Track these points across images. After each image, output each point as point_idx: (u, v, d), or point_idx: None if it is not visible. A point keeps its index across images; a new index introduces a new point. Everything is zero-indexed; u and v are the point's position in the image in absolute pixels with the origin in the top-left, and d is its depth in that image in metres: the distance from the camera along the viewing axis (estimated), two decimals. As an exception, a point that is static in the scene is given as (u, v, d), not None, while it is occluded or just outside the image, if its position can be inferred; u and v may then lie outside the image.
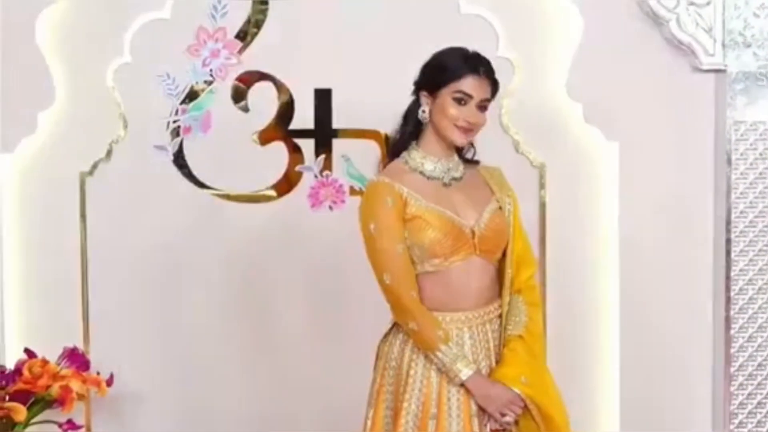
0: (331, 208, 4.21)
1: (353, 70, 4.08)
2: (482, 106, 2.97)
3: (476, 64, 2.93)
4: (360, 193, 3.80)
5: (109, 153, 4.19)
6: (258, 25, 4.15)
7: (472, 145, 3.09)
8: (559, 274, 4.12)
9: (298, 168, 4.21)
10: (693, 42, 4.05)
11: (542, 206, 4.15)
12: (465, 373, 2.91)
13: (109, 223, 4.18)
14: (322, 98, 4.16)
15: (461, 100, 2.92)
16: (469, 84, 2.93)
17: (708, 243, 4.15)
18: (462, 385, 2.93)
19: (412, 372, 2.92)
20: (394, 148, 3.08)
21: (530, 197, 4.09)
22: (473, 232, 2.97)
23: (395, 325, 3.02)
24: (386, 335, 3.04)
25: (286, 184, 4.21)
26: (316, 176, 4.20)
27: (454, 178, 3.03)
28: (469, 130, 2.96)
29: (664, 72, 4.10)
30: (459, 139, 2.94)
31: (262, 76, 4.18)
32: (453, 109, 2.92)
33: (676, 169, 4.15)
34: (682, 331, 4.17)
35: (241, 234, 4.19)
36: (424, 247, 2.90)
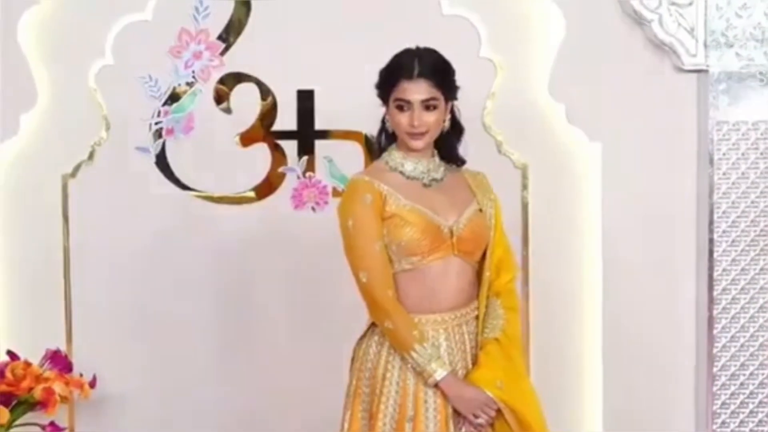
0: (314, 209, 4.20)
1: (336, 72, 4.07)
2: (429, 106, 2.93)
3: (410, 68, 2.90)
4: (341, 192, 3.76)
5: (91, 155, 4.17)
6: (240, 26, 4.14)
7: (454, 145, 3.10)
8: (542, 274, 4.11)
9: (280, 169, 4.20)
10: (675, 42, 4.04)
11: (525, 207, 4.15)
12: (439, 373, 2.90)
13: (92, 225, 4.15)
14: (305, 99, 4.15)
15: (401, 107, 2.92)
16: (404, 89, 2.91)
17: (690, 243, 4.14)
18: (436, 386, 2.92)
19: (388, 375, 2.92)
20: (376, 150, 3.13)
21: (513, 198, 4.08)
22: (451, 232, 2.97)
23: (371, 326, 3.01)
24: (362, 337, 3.05)
25: (269, 186, 4.20)
26: (298, 177, 4.18)
27: (435, 179, 3.04)
28: (419, 133, 2.94)
29: (647, 72, 4.09)
30: (413, 144, 2.94)
31: (245, 78, 4.17)
32: (397, 117, 2.93)
33: (658, 169, 4.14)
34: (665, 331, 4.16)
35: (224, 236, 4.18)
36: (402, 245, 2.90)
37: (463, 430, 2.96)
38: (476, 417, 2.93)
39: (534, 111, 4.12)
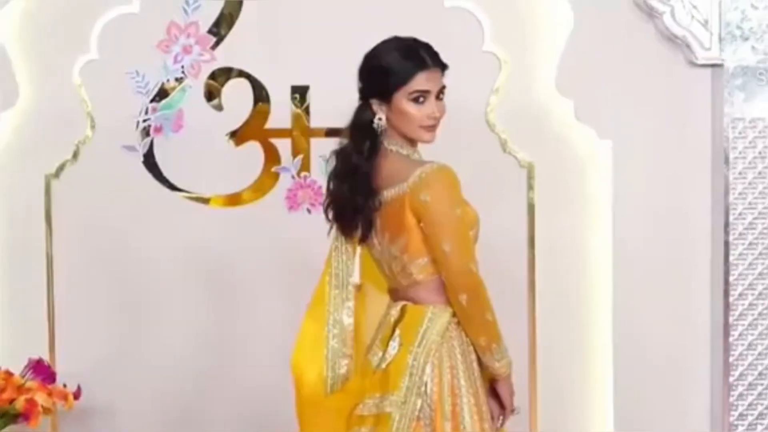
0: (309, 210, 4.13)
1: (332, 66, 3.89)
2: (440, 96, 2.85)
3: (422, 58, 2.80)
4: None
5: (75, 154, 4.12)
6: (232, 19, 4.08)
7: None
8: (549, 279, 4.05)
9: (274, 169, 4.14)
10: (688, 35, 3.97)
11: (531, 208, 4.08)
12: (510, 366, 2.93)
13: (77, 227, 4.10)
14: (300, 95, 4.10)
15: (419, 98, 2.79)
16: (423, 80, 2.79)
17: (705, 246, 4.07)
18: (494, 381, 2.92)
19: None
20: (349, 166, 2.87)
21: (518, 199, 4.05)
22: None
23: (447, 328, 2.87)
24: (442, 335, 2.86)
25: (262, 186, 4.14)
26: (293, 177, 4.12)
27: None
28: (436, 125, 2.84)
29: (659, 67, 4.01)
30: (428, 137, 2.82)
31: (237, 73, 4.12)
32: (412, 110, 2.79)
33: (671, 168, 4.06)
34: (679, 338, 4.09)
35: (216, 238, 4.12)
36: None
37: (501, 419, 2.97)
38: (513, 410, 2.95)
39: (540, 108, 4.05)
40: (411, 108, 2.78)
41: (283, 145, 4.14)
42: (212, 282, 4.15)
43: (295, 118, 4.12)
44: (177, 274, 4.14)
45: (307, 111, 4.10)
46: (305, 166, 4.15)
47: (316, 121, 4.11)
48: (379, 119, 2.81)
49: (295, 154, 4.14)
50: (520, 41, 4.04)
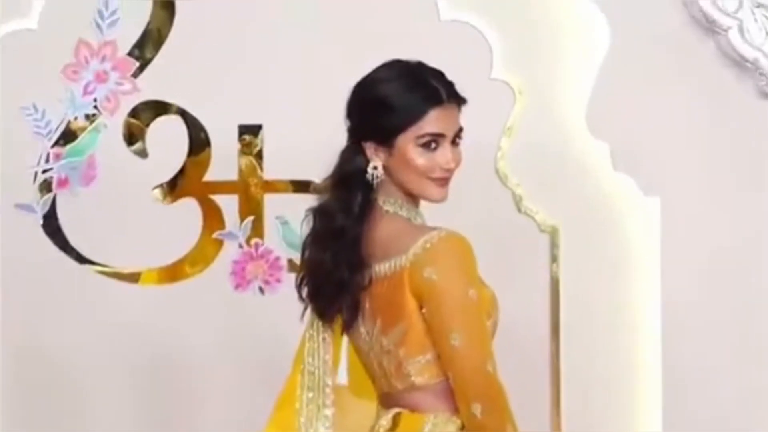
0: (262, 289, 3.84)
1: (293, 99, 3.76)
2: (456, 140, 2.63)
3: (435, 90, 2.58)
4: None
5: None
6: (161, 37, 3.84)
7: None
8: (579, 382, 3.75)
9: (216, 235, 3.87)
10: (761, 57, 3.65)
11: (554, 285, 3.75)
12: None
13: None
14: (250, 137, 3.83)
15: (430, 143, 2.58)
16: (436, 120, 2.57)
17: None
18: None
19: None
20: (332, 229, 2.64)
21: (538, 273, 3.75)
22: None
23: None
24: None
25: (200, 258, 3.88)
26: (241, 246, 3.86)
27: None
28: (449, 178, 2.64)
29: (721, 98, 3.71)
30: (439, 195, 2.62)
31: (167, 109, 3.86)
32: (422, 159, 2.58)
33: (735, 230, 3.75)
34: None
35: (138, 326, 3.85)
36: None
37: None
38: None
39: (566, 153, 3.75)
40: (419, 156, 2.58)
41: (229, 203, 3.88)
42: (138, 377, 3.92)
43: (244, 167, 3.86)
44: (95, 375, 3.91)
45: (259, 158, 3.85)
46: (257, 230, 3.87)
47: (272, 170, 3.85)
48: (374, 168, 2.60)
49: (243, 215, 3.88)
50: (540, 66, 3.75)
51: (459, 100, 2.61)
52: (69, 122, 3.85)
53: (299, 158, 3.80)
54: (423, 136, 2.55)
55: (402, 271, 2.55)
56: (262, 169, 3.85)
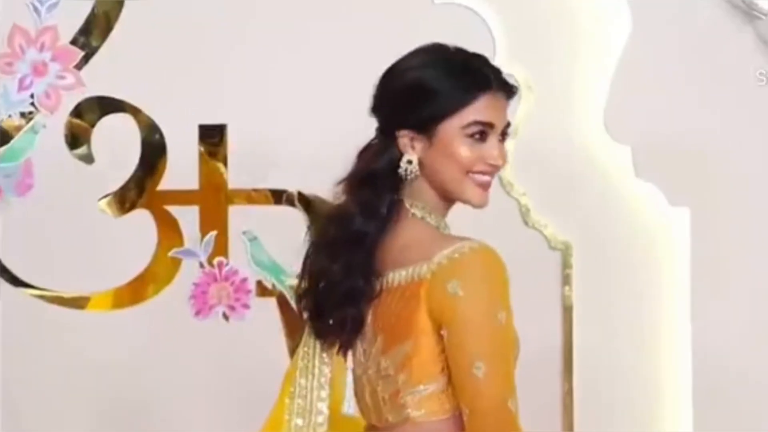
0: (226, 316, 3.63)
1: (262, 96, 3.58)
2: (504, 135, 2.44)
3: (485, 75, 2.42)
4: (272, 291, 3.54)
5: None
6: (109, 22, 3.66)
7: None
8: (593, 419, 3.55)
9: (173, 253, 3.69)
10: None
11: (567, 311, 3.52)
12: None
13: None
14: (212, 140, 3.63)
15: (479, 133, 2.39)
16: (485, 107, 2.40)
17: None
18: None
19: None
20: (348, 235, 2.45)
21: (547, 296, 3.53)
22: None
23: None
24: None
25: (155, 280, 3.71)
26: (202, 265, 3.67)
27: None
28: (490, 180, 2.45)
29: (762, 95, 3.47)
30: (479, 198, 2.44)
31: (116, 106, 3.67)
32: (468, 151, 2.39)
33: None
34: None
35: (84, 359, 3.67)
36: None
37: None
38: None
39: (580, 157, 3.55)
40: (465, 147, 2.40)
41: (188, 216, 3.68)
42: (89, 426, 3.74)
43: (206, 174, 3.68)
44: (36, 415, 3.76)
45: (224, 163, 3.65)
46: (221, 247, 3.68)
47: (239, 178, 3.65)
48: (409, 162, 2.43)
49: (205, 229, 3.69)
50: (550, 56, 3.55)
51: (509, 90, 2.42)
52: (1, 122, 3.75)
53: (270, 164, 3.66)
54: (471, 124, 2.35)
55: (421, 282, 2.32)
56: (226, 176, 3.68)
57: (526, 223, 3.55)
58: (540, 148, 3.54)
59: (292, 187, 3.62)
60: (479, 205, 2.39)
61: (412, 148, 2.37)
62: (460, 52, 2.43)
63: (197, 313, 3.66)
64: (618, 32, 3.50)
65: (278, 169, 3.63)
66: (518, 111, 3.46)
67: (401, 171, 2.39)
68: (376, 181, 2.41)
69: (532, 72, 3.53)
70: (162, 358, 3.68)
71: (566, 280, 3.57)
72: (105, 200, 3.67)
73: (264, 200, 3.62)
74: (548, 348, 3.54)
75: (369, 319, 2.44)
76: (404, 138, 2.37)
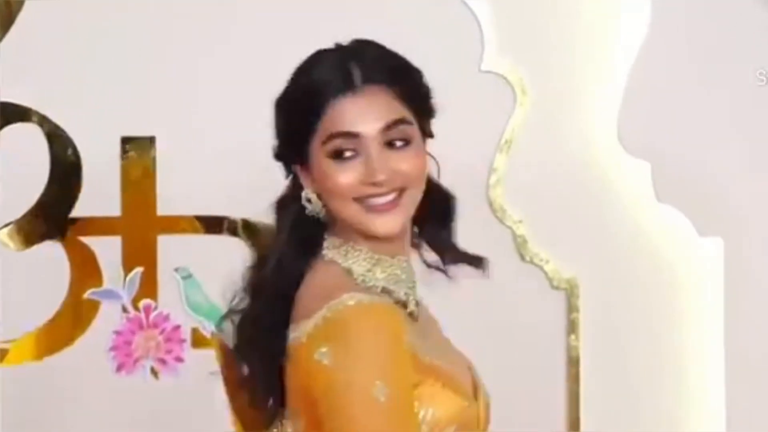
0: (155, 372, 3.29)
1: (198, 103, 3.19)
2: (395, 141, 2.00)
3: (346, 73, 2.02)
4: (210, 341, 2.90)
5: None
6: (11, 13, 3.30)
7: (443, 227, 2.22)
8: None
9: (89, 294, 3.29)
10: None
11: (573, 363, 3.21)
12: None
13: None
14: (138, 155, 3.28)
15: (339, 152, 2.02)
16: (342, 114, 2.02)
17: None
18: None
19: None
20: (262, 274, 2.11)
21: (548, 348, 3.24)
22: (478, 401, 2.23)
23: None
24: None
25: (67, 326, 3.29)
26: (125, 310, 3.31)
27: (417, 303, 2.19)
28: (390, 200, 2.03)
29: None
30: (380, 227, 2.03)
31: (20, 114, 3.26)
32: (336, 175, 2.04)
33: None
34: None
35: None
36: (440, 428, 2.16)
37: None
38: None
39: (588, 177, 3.23)
40: (331, 170, 2.07)
41: (108, 249, 3.28)
42: None
43: (130, 197, 3.31)
44: None
45: (152, 184, 3.32)
46: (148, 287, 3.33)
47: (170, 203, 3.27)
48: (308, 200, 2.12)
49: (128, 265, 3.33)
50: (551, 54, 3.22)
51: (394, 79, 2.01)
52: None
53: (208, 185, 3.25)
54: (328, 139, 2.02)
55: (300, 347, 2.01)
56: (155, 200, 3.29)
57: (522, 257, 3.21)
58: (538, 164, 3.20)
59: (235, 214, 3.25)
60: (386, 235, 2.02)
61: (307, 181, 2.08)
62: (328, 53, 2.10)
63: (119, 368, 3.28)
64: (633, 28, 3.19)
65: (218, 192, 3.25)
66: (511, 120, 3.16)
67: (309, 212, 2.11)
68: (284, 219, 2.12)
69: (527, 72, 3.19)
70: (75, 424, 3.23)
71: (572, 326, 3.22)
72: (5, 230, 3.25)
73: (201, 229, 3.27)
74: (550, 409, 3.19)
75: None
76: (299, 173, 2.10)
